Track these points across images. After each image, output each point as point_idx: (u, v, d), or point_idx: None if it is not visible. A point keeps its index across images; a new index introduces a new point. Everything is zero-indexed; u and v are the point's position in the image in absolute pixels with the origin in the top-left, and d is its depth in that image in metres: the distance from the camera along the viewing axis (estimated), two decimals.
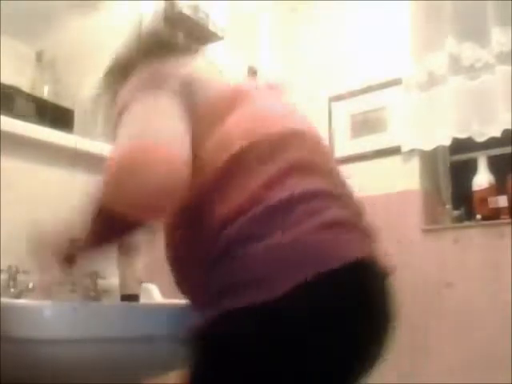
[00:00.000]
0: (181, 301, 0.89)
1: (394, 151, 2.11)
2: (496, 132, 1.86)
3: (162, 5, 1.82)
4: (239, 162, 0.80)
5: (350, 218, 0.82)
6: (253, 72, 2.05)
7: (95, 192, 0.83)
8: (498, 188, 1.92)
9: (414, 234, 2.01)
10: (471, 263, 1.86)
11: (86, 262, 1.01)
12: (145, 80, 0.89)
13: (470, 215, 1.98)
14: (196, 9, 1.85)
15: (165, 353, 0.96)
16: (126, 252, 1.10)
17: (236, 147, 0.81)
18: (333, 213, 0.79)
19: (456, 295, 1.86)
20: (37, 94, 1.50)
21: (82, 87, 1.62)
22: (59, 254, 0.96)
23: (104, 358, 0.95)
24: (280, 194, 0.77)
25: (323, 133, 1.86)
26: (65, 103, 1.56)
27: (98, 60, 1.64)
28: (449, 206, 2.11)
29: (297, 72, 2.28)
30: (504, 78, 1.84)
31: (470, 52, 1.96)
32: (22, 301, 1.14)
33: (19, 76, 1.46)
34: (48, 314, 0.89)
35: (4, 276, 1.22)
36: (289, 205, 0.76)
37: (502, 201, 1.88)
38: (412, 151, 2.07)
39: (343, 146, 2.22)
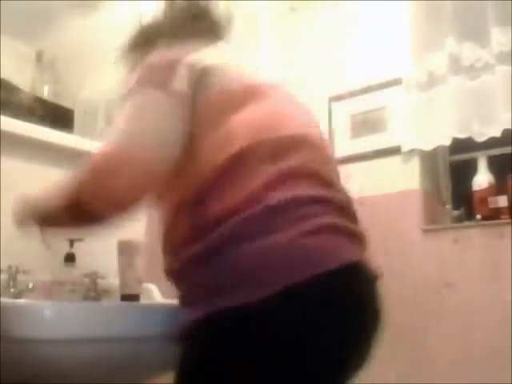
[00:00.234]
0: None
1: (393, 151, 2.10)
2: (496, 132, 1.86)
3: (161, 5, 1.82)
4: (240, 162, 0.80)
5: (343, 225, 0.82)
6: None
7: (70, 180, 0.88)
8: (498, 188, 1.92)
9: (414, 234, 2.00)
10: (471, 263, 1.86)
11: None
12: (152, 70, 0.89)
13: (470, 215, 1.98)
14: None
15: (165, 353, 0.96)
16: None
17: (238, 146, 0.81)
18: (326, 219, 0.79)
19: (456, 295, 1.86)
20: (37, 94, 1.50)
21: (82, 87, 1.62)
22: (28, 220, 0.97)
23: (104, 358, 0.95)
24: (276, 196, 0.77)
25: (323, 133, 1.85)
26: (65, 103, 1.56)
27: (98, 60, 1.65)
28: (449, 206, 2.11)
29: (297, 72, 2.28)
30: (504, 78, 1.84)
31: (469, 52, 1.96)
32: (22, 301, 1.14)
33: (19, 76, 1.46)
34: (48, 314, 0.89)
35: (4, 276, 1.22)
36: (282, 208, 0.77)
37: (502, 201, 1.88)
38: (412, 151, 2.06)
39: (343, 145, 2.21)
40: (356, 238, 0.84)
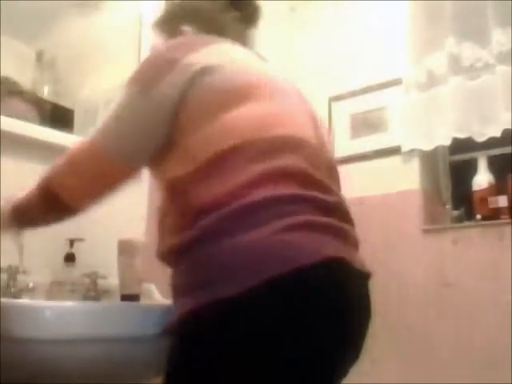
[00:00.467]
0: None
1: (393, 151, 2.10)
2: (496, 132, 1.86)
3: (161, 5, 1.82)
4: (228, 158, 0.82)
5: (326, 222, 0.82)
6: None
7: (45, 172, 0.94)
8: (498, 188, 1.92)
9: (414, 234, 2.00)
10: (471, 263, 1.86)
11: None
12: (147, 68, 0.92)
13: (469, 215, 1.98)
14: None
15: (165, 353, 0.96)
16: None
17: (230, 143, 0.82)
18: (307, 216, 0.79)
19: (456, 295, 1.86)
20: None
21: (82, 87, 1.62)
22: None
23: (104, 358, 0.95)
24: (258, 193, 0.78)
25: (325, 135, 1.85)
26: (65, 103, 1.56)
27: (98, 60, 1.65)
28: (449, 206, 2.11)
29: (297, 72, 2.28)
30: (504, 78, 1.84)
31: (469, 52, 1.95)
32: (22, 301, 1.14)
33: (19, 76, 1.46)
34: (48, 314, 0.89)
35: (4, 276, 1.22)
36: (263, 205, 0.78)
37: (502, 201, 1.88)
38: (412, 151, 2.06)
39: (343, 145, 2.21)
40: (342, 236, 0.84)
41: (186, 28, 1.06)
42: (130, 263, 1.32)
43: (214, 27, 1.05)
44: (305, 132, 0.90)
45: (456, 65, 1.96)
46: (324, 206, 0.83)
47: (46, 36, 1.54)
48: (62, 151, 0.93)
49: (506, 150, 1.97)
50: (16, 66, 1.47)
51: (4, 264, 1.22)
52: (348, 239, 0.86)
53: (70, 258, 1.37)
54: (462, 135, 1.92)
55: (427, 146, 2.02)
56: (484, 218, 1.90)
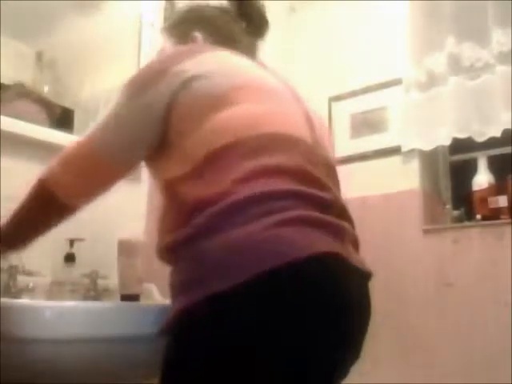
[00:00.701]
0: None
1: (393, 151, 2.10)
2: (496, 132, 1.86)
3: (162, 5, 1.82)
4: (221, 157, 0.82)
5: (321, 218, 0.82)
6: None
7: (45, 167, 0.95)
8: (498, 188, 1.92)
9: (413, 234, 2.01)
10: (471, 263, 1.86)
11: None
12: (140, 77, 0.95)
13: (469, 215, 1.98)
14: None
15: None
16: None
17: (223, 142, 0.83)
18: (300, 211, 0.79)
19: (456, 295, 1.86)
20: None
21: (82, 87, 1.62)
22: None
23: (104, 358, 0.95)
24: (250, 189, 0.79)
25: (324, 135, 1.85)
26: (65, 103, 1.56)
27: (98, 60, 1.65)
28: (449, 206, 2.11)
29: (297, 72, 2.28)
30: (504, 77, 1.84)
31: (469, 52, 1.96)
32: (22, 301, 1.14)
33: (19, 76, 1.46)
34: (48, 314, 0.89)
35: (4, 276, 1.22)
36: (255, 200, 0.78)
37: (502, 201, 1.88)
38: (412, 151, 2.06)
39: (343, 145, 2.21)
40: (339, 233, 0.84)
41: (197, 34, 1.08)
42: (130, 263, 1.32)
43: (223, 35, 1.08)
44: (299, 131, 0.90)
45: (456, 65, 1.96)
46: (321, 203, 0.83)
47: (46, 36, 1.54)
48: (61, 151, 0.94)
49: (506, 149, 1.97)
50: (16, 66, 1.48)
51: (4, 264, 1.22)
52: (345, 237, 0.85)
53: (70, 258, 1.37)
54: (461, 135, 1.92)
55: (427, 146, 2.02)
56: (484, 218, 1.90)
